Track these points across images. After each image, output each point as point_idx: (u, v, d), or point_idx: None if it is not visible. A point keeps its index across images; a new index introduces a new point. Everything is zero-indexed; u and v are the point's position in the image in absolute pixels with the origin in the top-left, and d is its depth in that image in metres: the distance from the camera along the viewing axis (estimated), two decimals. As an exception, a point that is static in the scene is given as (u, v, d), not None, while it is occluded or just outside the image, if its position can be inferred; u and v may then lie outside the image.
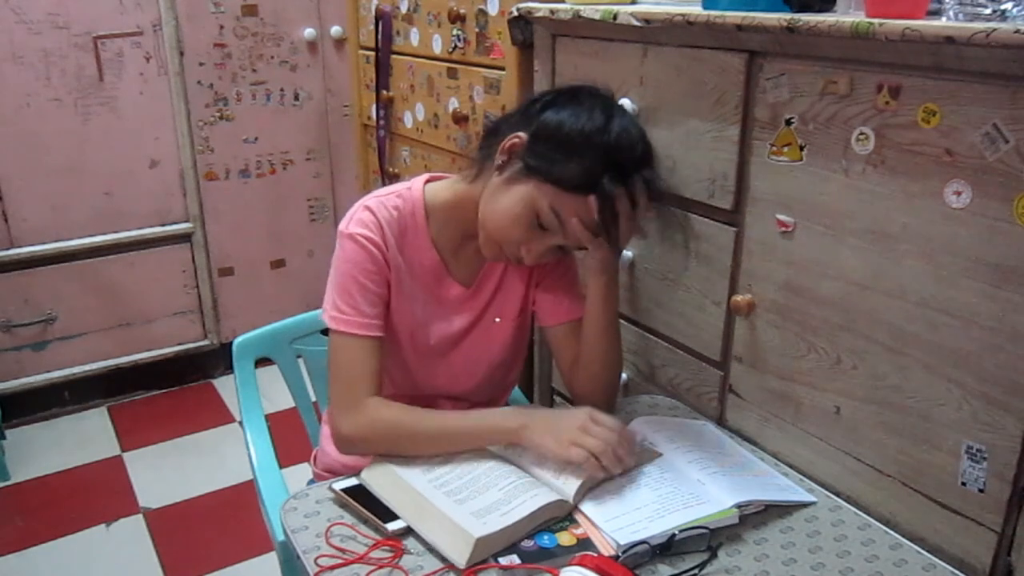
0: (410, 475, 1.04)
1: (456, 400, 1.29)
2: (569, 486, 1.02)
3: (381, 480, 1.06)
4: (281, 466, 1.35)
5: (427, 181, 1.22)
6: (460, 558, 0.92)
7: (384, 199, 1.18)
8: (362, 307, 1.13)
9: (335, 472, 1.28)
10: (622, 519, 0.98)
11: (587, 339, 1.22)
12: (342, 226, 1.16)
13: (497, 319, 1.26)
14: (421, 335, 1.22)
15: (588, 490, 1.03)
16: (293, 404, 1.50)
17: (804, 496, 1.09)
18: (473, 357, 1.27)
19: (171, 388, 2.83)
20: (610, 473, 1.04)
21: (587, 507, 1.01)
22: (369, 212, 1.16)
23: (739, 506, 1.02)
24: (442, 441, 1.10)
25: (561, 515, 1.00)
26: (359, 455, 1.16)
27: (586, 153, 1.07)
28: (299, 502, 1.06)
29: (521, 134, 1.12)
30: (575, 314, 1.25)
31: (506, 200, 1.11)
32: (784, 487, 1.11)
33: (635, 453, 1.09)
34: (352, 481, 1.07)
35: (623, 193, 1.09)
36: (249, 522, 2.05)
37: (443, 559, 0.94)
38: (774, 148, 1.13)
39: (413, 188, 1.20)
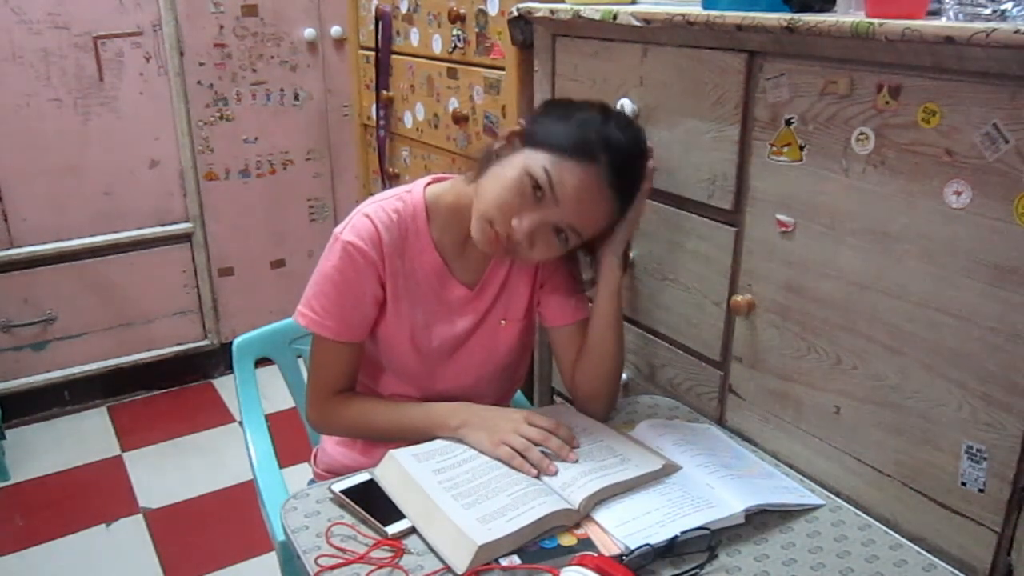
0: (421, 475, 1.04)
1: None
2: (577, 495, 1.01)
3: (392, 478, 1.06)
4: (281, 466, 1.36)
5: (429, 183, 1.22)
6: (460, 564, 0.92)
7: (384, 203, 1.18)
8: (334, 312, 1.17)
9: (335, 472, 1.28)
10: (632, 524, 0.98)
11: (595, 335, 1.23)
12: (338, 229, 1.17)
13: (503, 321, 1.26)
14: (423, 337, 1.22)
15: (598, 499, 1.02)
16: (293, 404, 1.50)
17: (812, 499, 1.09)
18: (478, 358, 1.26)
19: (171, 388, 2.83)
20: (545, 471, 1.06)
21: (597, 512, 1.01)
22: (367, 219, 1.16)
23: (749, 511, 1.02)
24: (393, 435, 1.18)
25: (569, 523, 1.00)
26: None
27: (584, 124, 1.10)
28: (299, 502, 1.06)
29: (521, 121, 1.16)
30: (580, 315, 1.25)
31: (501, 172, 1.11)
32: (791, 489, 1.10)
33: (575, 448, 1.11)
34: (351, 482, 1.07)
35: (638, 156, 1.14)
36: (249, 522, 2.05)
37: (444, 560, 0.94)
38: (774, 148, 1.13)
39: (414, 191, 1.20)
